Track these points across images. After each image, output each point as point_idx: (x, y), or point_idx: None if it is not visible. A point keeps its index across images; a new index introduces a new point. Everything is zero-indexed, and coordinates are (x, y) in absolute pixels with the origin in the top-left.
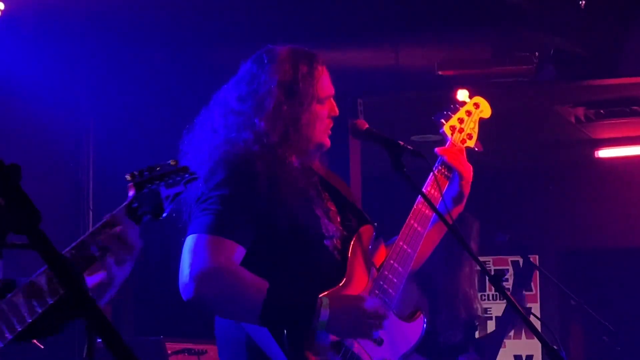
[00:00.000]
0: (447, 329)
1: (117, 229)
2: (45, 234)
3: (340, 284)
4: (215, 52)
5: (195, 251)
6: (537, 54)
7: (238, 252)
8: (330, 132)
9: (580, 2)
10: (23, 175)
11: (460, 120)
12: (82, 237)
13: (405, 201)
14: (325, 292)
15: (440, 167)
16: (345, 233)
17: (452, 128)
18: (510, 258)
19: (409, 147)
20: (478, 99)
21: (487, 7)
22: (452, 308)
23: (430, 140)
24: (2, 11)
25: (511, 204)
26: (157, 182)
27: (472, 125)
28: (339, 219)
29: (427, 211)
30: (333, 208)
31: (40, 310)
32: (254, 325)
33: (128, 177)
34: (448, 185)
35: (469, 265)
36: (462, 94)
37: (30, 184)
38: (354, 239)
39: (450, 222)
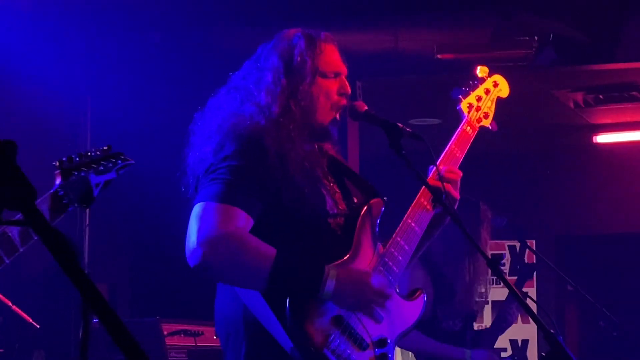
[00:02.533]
0: (449, 317)
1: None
2: (40, 211)
3: (345, 258)
4: (210, 31)
5: (202, 218)
6: (536, 38)
7: (246, 221)
8: (340, 110)
9: None
10: (20, 153)
11: (478, 98)
12: None
13: (404, 183)
14: (332, 264)
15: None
16: (349, 212)
17: (470, 106)
18: (508, 242)
19: (407, 129)
20: (497, 77)
21: None
22: (455, 298)
23: (429, 124)
24: None
25: (509, 188)
26: (86, 169)
27: (489, 104)
28: (343, 200)
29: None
30: (338, 190)
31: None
32: (252, 299)
33: (56, 164)
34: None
35: (473, 256)
36: (481, 71)
37: (27, 162)
38: (361, 215)
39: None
